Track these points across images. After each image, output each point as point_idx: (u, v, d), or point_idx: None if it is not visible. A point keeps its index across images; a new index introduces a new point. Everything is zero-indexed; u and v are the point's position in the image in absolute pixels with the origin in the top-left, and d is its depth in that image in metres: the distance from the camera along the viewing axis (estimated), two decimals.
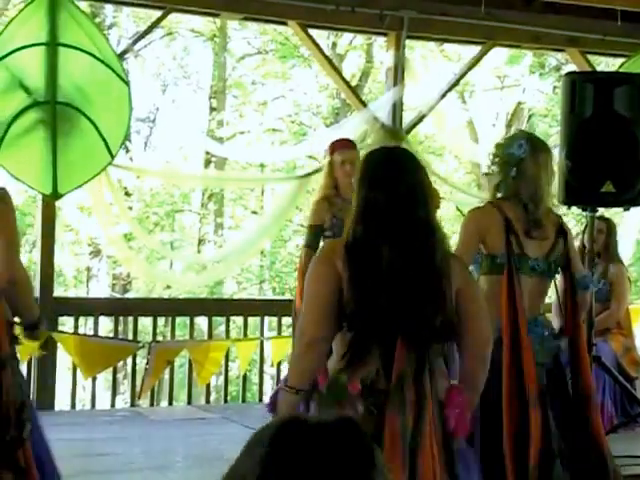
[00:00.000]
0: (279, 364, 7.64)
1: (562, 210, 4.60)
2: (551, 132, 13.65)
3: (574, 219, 12.10)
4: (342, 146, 5.91)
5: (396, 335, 2.87)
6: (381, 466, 1.25)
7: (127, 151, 13.04)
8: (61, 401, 7.26)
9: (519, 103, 15.33)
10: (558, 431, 3.91)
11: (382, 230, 2.93)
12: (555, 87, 14.34)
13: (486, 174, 4.25)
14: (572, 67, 8.49)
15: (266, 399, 8.22)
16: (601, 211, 5.65)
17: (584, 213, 5.49)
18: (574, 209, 5.88)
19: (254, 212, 16.15)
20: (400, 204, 2.94)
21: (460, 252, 3.71)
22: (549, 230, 4.04)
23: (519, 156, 4.01)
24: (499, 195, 4.09)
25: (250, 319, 7.63)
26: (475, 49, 8.13)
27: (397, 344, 2.86)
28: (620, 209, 5.74)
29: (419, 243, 2.93)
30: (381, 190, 2.96)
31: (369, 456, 1.25)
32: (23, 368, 6.38)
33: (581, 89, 4.90)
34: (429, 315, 2.90)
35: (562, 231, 4.08)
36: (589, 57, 8.18)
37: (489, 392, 3.81)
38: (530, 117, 15.59)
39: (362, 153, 6.52)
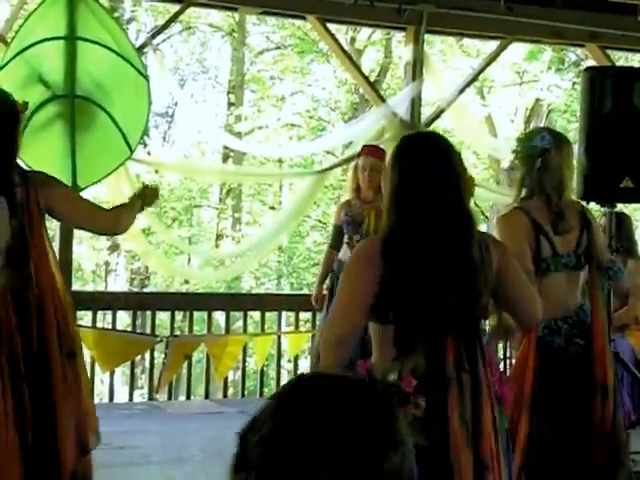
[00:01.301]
0: (296, 359, 7.65)
1: None
2: (570, 128, 13.59)
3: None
4: (368, 152, 6.18)
5: (437, 325, 2.86)
6: (401, 420, 1.25)
7: (145, 146, 13.07)
8: None
9: (538, 99, 15.27)
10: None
11: (416, 219, 2.88)
12: (574, 83, 14.27)
13: (509, 169, 4.24)
14: (591, 62, 8.45)
15: None
16: (620, 207, 5.60)
17: (602, 209, 5.46)
18: (592, 205, 5.86)
19: (272, 207, 16.17)
20: (434, 191, 2.89)
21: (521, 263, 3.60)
22: (573, 221, 4.03)
23: (543, 147, 4.00)
24: (523, 191, 4.06)
25: (267, 314, 7.63)
26: (494, 44, 8.10)
27: (447, 335, 2.85)
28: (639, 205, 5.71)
29: (454, 231, 2.89)
30: (414, 176, 2.92)
31: (389, 408, 1.24)
32: None
33: (600, 84, 4.87)
34: (472, 303, 2.89)
35: (586, 221, 4.07)
36: (608, 52, 8.13)
37: None
38: (549, 113, 15.53)
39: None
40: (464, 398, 2.83)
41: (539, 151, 4.00)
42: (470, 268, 2.88)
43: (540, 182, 3.99)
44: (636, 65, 8.13)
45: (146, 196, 3.92)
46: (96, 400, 7.42)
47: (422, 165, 2.93)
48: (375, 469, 1.18)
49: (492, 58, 8.11)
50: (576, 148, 5.08)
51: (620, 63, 10.18)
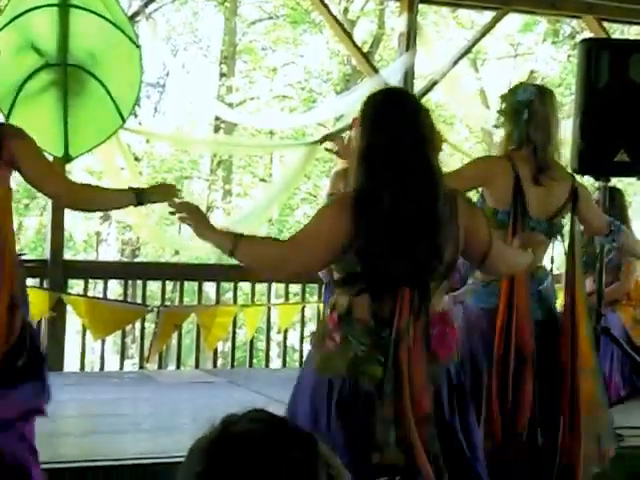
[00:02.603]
0: (286, 331, 7.66)
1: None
2: (565, 101, 13.55)
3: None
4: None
5: (400, 280, 2.88)
6: (323, 457, 1.21)
7: (136, 116, 13.00)
8: (70, 363, 7.30)
9: (532, 71, 15.23)
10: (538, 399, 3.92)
11: (382, 176, 2.89)
12: (569, 55, 14.24)
13: (495, 126, 4.23)
14: (587, 35, 8.42)
15: (272, 365, 8.28)
16: (614, 181, 5.60)
17: (596, 183, 5.45)
18: (586, 178, 5.85)
19: (262, 180, 16.13)
20: (401, 149, 2.90)
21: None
22: (558, 182, 4.01)
23: (528, 99, 3.99)
24: (511, 147, 4.05)
25: (258, 286, 7.63)
26: (488, 15, 8.06)
27: (404, 289, 2.88)
28: (634, 179, 5.70)
29: (420, 188, 2.90)
30: (380, 134, 2.92)
31: (310, 450, 1.21)
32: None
33: (597, 56, 4.86)
34: (427, 259, 2.90)
35: (575, 195, 4.05)
36: (605, 25, 8.10)
37: (477, 355, 3.86)
38: None
39: None
40: (410, 350, 2.87)
41: (524, 104, 3.99)
42: (436, 225, 2.90)
43: (527, 133, 3.98)
44: (632, 38, 8.10)
45: (159, 192, 3.71)
46: (87, 368, 7.43)
47: (389, 123, 2.92)
48: None
49: (487, 29, 8.06)
50: (571, 122, 5.08)
51: (616, 36, 10.14)
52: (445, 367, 3.01)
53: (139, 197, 3.64)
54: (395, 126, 2.92)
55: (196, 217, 3.10)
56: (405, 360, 2.86)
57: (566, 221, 4.18)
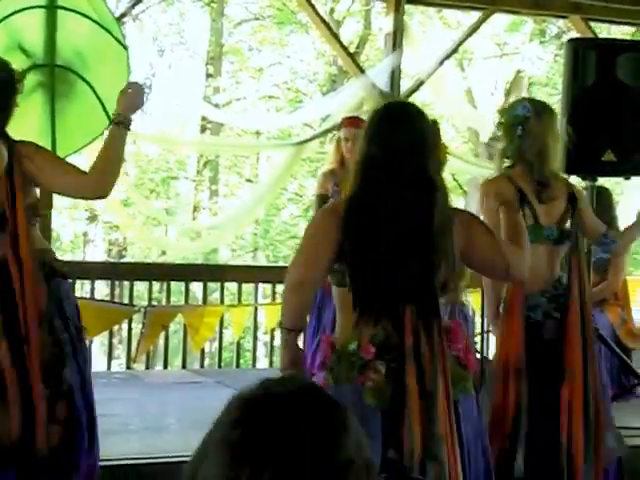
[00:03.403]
0: (272, 331, 7.66)
1: None
2: (551, 101, 13.56)
3: None
4: (348, 124, 6.20)
5: (395, 294, 2.88)
6: (353, 428, 1.24)
7: None
8: None
9: (519, 71, 15.27)
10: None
11: (378, 187, 2.89)
12: (556, 55, 14.28)
13: (490, 141, 4.25)
14: (573, 35, 8.44)
15: (259, 365, 8.27)
16: (601, 181, 5.61)
17: (583, 183, 5.46)
18: (573, 178, 5.86)
19: (249, 180, 16.12)
20: (397, 158, 2.90)
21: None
22: (558, 192, 4.03)
23: (524, 115, 4.01)
24: (506, 162, 4.07)
25: (244, 286, 7.62)
26: (475, 16, 8.08)
27: (404, 303, 2.87)
28: (621, 179, 5.71)
29: (415, 202, 2.89)
30: (377, 144, 2.93)
31: (338, 420, 1.24)
32: None
33: (583, 56, 4.87)
34: (429, 272, 2.89)
35: (573, 198, 4.06)
36: (591, 24, 8.12)
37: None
38: (530, 85, 15.53)
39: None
40: (424, 368, 2.86)
41: (520, 119, 4.00)
42: (429, 239, 2.89)
43: (520, 150, 3.99)
44: (619, 37, 8.12)
45: (127, 98, 3.73)
46: None
47: (384, 135, 2.94)
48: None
49: (473, 29, 8.07)
50: (558, 121, 5.09)
51: (603, 36, 10.17)
52: (473, 375, 3.06)
53: (122, 122, 3.65)
54: (393, 138, 2.92)
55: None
56: (413, 374, 2.85)
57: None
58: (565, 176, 4.36)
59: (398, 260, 2.88)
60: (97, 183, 3.61)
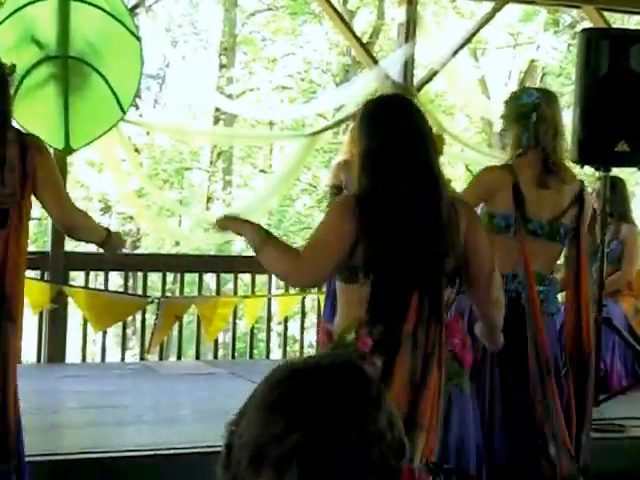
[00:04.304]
0: (286, 321, 7.67)
1: (574, 170, 4.52)
2: (565, 91, 13.52)
3: (586, 180, 11.96)
4: None
5: (409, 284, 2.89)
6: (387, 406, 1.29)
7: (137, 108, 12.99)
8: (72, 354, 7.30)
9: (532, 61, 15.20)
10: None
11: (386, 182, 2.91)
12: (569, 45, 14.21)
13: (502, 132, 4.21)
14: (587, 25, 8.40)
15: (273, 356, 8.29)
16: (615, 171, 5.58)
17: (597, 174, 5.44)
18: (586, 168, 5.84)
19: (262, 171, 16.11)
20: (401, 155, 2.91)
21: None
22: (565, 185, 3.99)
23: (533, 102, 3.99)
24: (519, 151, 4.02)
25: (258, 276, 7.63)
26: (488, 5, 8.04)
27: (412, 293, 2.88)
28: (635, 169, 5.68)
29: (423, 193, 2.92)
30: (379, 139, 2.95)
31: (373, 395, 1.28)
32: (35, 321, 6.43)
33: (597, 46, 4.85)
34: (439, 263, 2.91)
35: (580, 199, 4.01)
36: (605, 14, 8.07)
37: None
38: (543, 75, 15.46)
39: None
40: (416, 357, 2.87)
41: (531, 107, 3.99)
42: (439, 229, 2.91)
43: (537, 135, 3.96)
44: (633, 27, 8.07)
45: (111, 242, 3.83)
46: (88, 360, 7.44)
47: (388, 129, 2.96)
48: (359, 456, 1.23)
49: (487, 19, 8.03)
50: (571, 111, 5.07)
51: (616, 25, 10.12)
52: (469, 373, 3.06)
53: (108, 237, 3.77)
54: (395, 130, 2.95)
55: (234, 223, 3.15)
56: (406, 365, 2.86)
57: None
58: (576, 172, 4.32)
59: (409, 252, 2.90)
60: (71, 223, 3.65)
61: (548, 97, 4.06)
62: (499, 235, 3.84)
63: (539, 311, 3.85)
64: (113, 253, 3.88)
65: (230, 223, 3.17)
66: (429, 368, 2.87)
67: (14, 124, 3.62)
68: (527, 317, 3.82)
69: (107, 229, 3.87)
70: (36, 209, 3.93)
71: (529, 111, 3.98)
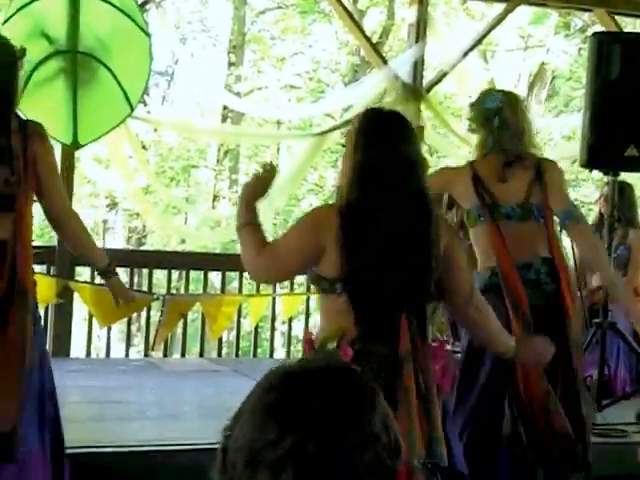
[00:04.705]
0: (290, 320, 7.66)
1: (583, 175, 4.51)
2: (575, 95, 13.51)
3: (594, 184, 11.97)
4: None
5: (393, 300, 2.91)
6: (381, 408, 1.29)
7: (145, 104, 13.00)
8: (76, 349, 7.31)
9: (542, 64, 15.16)
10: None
11: (379, 196, 2.92)
12: (580, 49, 14.17)
13: (469, 132, 4.33)
14: (598, 28, 8.38)
15: (276, 355, 8.30)
16: (624, 176, 5.56)
17: (605, 178, 5.43)
18: (595, 173, 5.83)
19: None
20: (394, 166, 2.94)
21: None
22: (523, 169, 4.07)
23: (496, 106, 4.08)
24: (485, 152, 4.13)
25: None
26: (499, 7, 8.03)
27: (400, 312, 2.90)
28: None
29: (415, 210, 2.95)
30: (375, 151, 2.96)
31: (367, 397, 1.29)
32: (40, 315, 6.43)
33: (608, 50, 4.84)
34: (425, 283, 2.94)
35: (539, 172, 4.08)
36: (616, 18, 8.05)
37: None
38: (553, 79, 15.42)
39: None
40: (419, 368, 2.91)
41: (494, 111, 4.07)
42: (426, 248, 2.94)
43: (499, 139, 4.05)
44: None
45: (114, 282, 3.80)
46: (93, 355, 7.45)
47: (386, 145, 2.98)
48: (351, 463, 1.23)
49: (497, 21, 8.01)
50: (581, 115, 5.06)
51: (628, 29, 10.08)
52: (443, 400, 3.09)
53: (109, 268, 3.72)
54: (391, 145, 2.97)
55: (255, 187, 3.20)
56: (412, 382, 2.89)
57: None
58: (584, 176, 4.38)
59: (396, 267, 2.91)
60: (65, 215, 3.62)
61: (511, 100, 4.14)
62: (478, 227, 4.03)
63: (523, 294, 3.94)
64: (118, 293, 3.79)
65: (245, 191, 3.21)
66: (429, 380, 2.92)
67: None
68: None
69: (110, 263, 3.76)
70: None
71: (492, 115, 4.07)
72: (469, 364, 3.98)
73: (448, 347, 4.18)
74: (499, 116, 4.05)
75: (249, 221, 3.09)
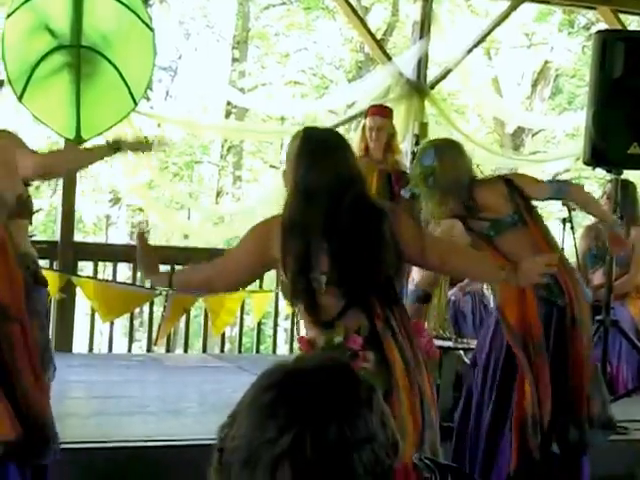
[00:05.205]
0: (293, 316, 7.66)
1: (586, 172, 4.52)
2: (578, 92, 13.49)
3: (597, 182, 11.95)
4: (374, 112, 6.21)
5: (360, 290, 3.04)
6: (379, 406, 1.30)
7: (148, 99, 12.99)
8: (79, 344, 7.32)
9: (546, 62, 15.13)
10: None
11: (318, 212, 3.02)
12: (584, 47, 14.15)
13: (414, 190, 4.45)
14: (602, 26, 8.36)
15: (279, 351, 8.30)
16: (626, 174, 5.56)
17: (608, 176, 5.43)
18: (598, 171, 5.82)
19: (272, 166, 16.10)
20: (336, 189, 3.04)
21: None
22: (490, 194, 4.16)
23: (430, 166, 4.18)
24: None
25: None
26: (503, 4, 8.02)
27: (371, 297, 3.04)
28: None
29: (364, 216, 3.06)
30: (320, 171, 3.06)
31: (364, 396, 1.29)
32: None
33: (612, 48, 4.83)
34: (375, 277, 3.05)
35: (509, 183, 4.16)
36: (620, 16, 8.03)
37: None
38: (557, 77, 15.40)
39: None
40: (399, 341, 3.01)
41: (430, 170, 4.18)
42: (370, 250, 3.04)
43: (444, 194, 4.16)
44: None
45: (131, 145, 3.81)
46: (95, 350, 7.45)
47: (326, 160, 3.09)
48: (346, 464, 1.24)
49: (502, 18, 8.01)
50: (584, 113, 5.06)
51: (632, 27, 10.06)
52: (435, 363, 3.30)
53: (114, 144, 3.80)
54: (331, 163, 3.08)
55: (146, 262, 3.35)
56: (394, 350, 3.01)
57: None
58: (587, 174, 4.42)
59: (350, 269, 3.04)
60: (50, 169, 3.66)
61: (443, 153, 4.20)
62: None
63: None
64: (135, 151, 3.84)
65: (141, 264, 3.39)
66: (417, 354, 3.04)
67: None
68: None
69: (107, 141, 3.83)
70: (44, 199, 3.92)
71: (429, 174, 4.17)
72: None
73: (449, 343, 4.35)
74: (433, 176, 4.16)
75: (167, 276, 3.34)
